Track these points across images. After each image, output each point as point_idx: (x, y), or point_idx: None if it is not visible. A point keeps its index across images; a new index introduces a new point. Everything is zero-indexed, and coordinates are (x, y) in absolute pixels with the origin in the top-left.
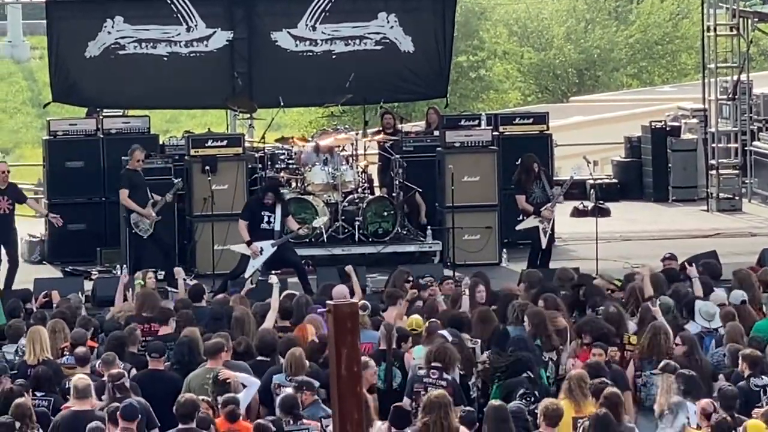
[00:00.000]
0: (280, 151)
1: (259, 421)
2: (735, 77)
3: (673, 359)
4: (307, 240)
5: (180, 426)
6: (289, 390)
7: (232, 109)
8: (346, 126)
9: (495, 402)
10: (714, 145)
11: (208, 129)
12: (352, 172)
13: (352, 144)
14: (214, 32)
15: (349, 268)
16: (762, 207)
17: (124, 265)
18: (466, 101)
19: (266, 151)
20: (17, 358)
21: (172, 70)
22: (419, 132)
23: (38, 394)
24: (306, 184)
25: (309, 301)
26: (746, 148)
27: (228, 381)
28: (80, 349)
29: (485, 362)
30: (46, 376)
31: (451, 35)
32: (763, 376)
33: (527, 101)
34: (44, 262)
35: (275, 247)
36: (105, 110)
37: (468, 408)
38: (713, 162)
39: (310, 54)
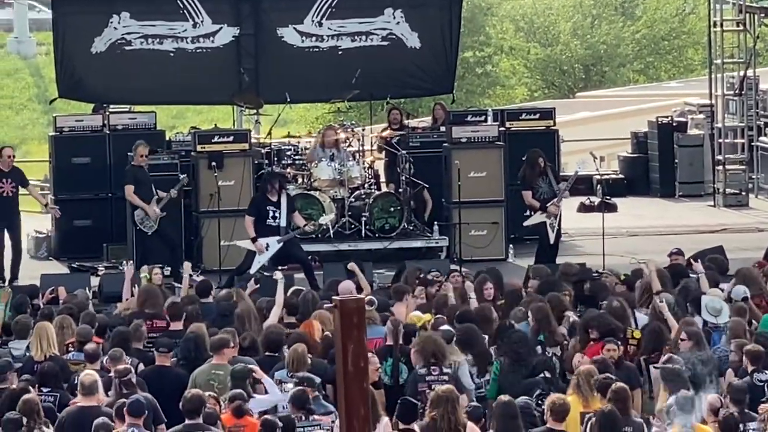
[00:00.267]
0: (287, 147)
1: (266, 416)
2: (741, 73)
3: (679, 355)
4: (314, 236)
5: (186, 421)
6: (290, 386)
7: (239, 105)
8: (353, 122)
9: (504, 398)
10: (720, 140)
11: (215, 125)
12: (358, 167)
13: (359, 140)
14: (221, 28)
15: (352, 265)
16: None
17: (130, 261)
18: (473, 97)
19: (272, 147)
20: (27, 354)
21: (178, 66)
22: (425, 128)
23: (44, 390)
24: (312, 180)
25: (315, 297)
26: (753, 144)
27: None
28: (90, 346)
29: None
30: (52, 372)
31: (457, 31)
32: (766, 371)
33: (534, 97)
34: (51, 258)
35: (281, 243)
36: (111, 106)
37: (474, 403)
38: (720, 157)
39: (317, 50)
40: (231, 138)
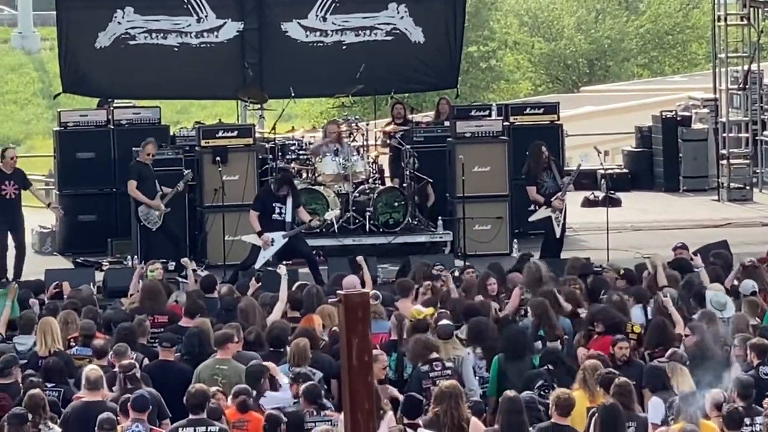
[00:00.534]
0: (291, 142)
1: (270, 411)
2: (746, 67)
3: (687, 350)
4: (318, 230)
5: (190, 416)
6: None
7: (243, 100)
8: (357, 117)
9: (509, 393)
10: (725, 134)
11: (219, 120)
12: (362, 162)
13: (363, 134)
14: (225, 23)
15: (360, 259)
16: None
17: (135, 256)
18: (477, 91)
19: (277, 141)
20: (32, 349)
21: (182, 61)
22: (429, 122)
23: (49, 385)
24: (317, 175)
25: (320, 292)
26: (757, 138)
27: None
28: (98, 342)
29: None
30: (56, 368)
31: (461, 26)
32: None
33: (538, 91)
34: (55, 253)
35: (286, 238)
36: (115, 101)
37: (476, 399)
38: (724, 152)
39: (321, 44)
40: (235, 133)
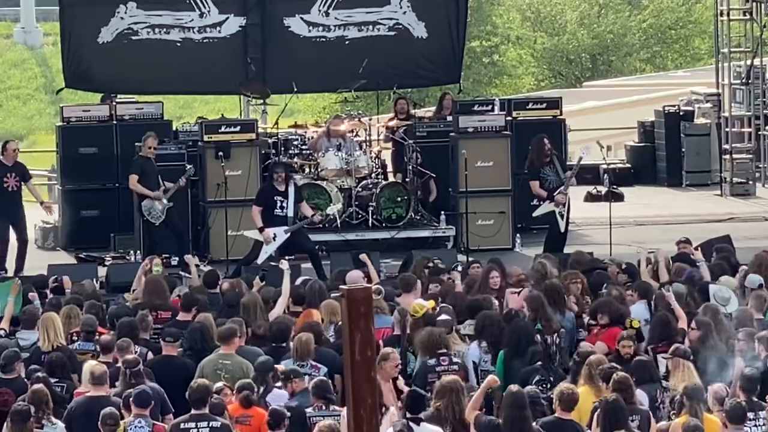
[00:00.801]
0: (294, 137)
1: (274, 407)
2: (748, 62)
3: (689, 345)
4: (321, 225)
5: (193, 411)
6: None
7: (246, 95)
8: (360, 111)
9: (513, 388)
10: (727, 129)
11: (222, 115)
12: (365, 157)
13: (366, 129)
14: (227, 18)
15: (363, 256)
16: None
17: (138, 251)
18: (480, 86)
19: (279, 136)
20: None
21: (185, 56)
22: (432, 117)
23: (52, 380)
24: (319, 170)
25: (322, 287)
26: (760, 133)
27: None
28: (104, 338)
29: None
30: (59, 363)
31: (464, 21)
32: None
33: (540, 86)
34: (58, 248)
35: (288, 234)
36: (118, 96)
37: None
38: (727, 146)
39: (324, 40)
40: (238, 128)
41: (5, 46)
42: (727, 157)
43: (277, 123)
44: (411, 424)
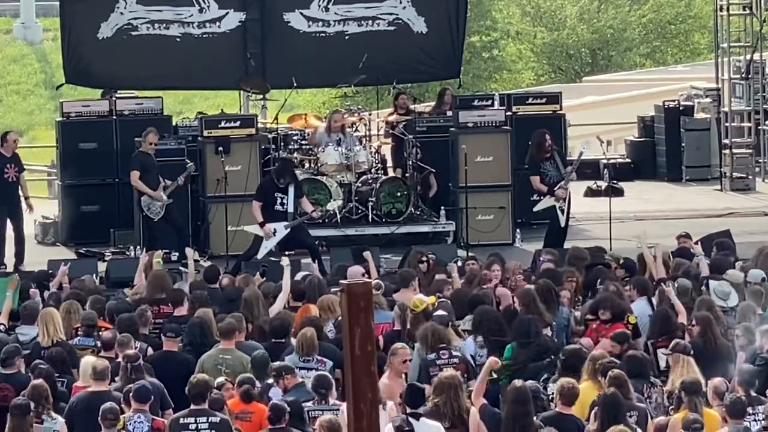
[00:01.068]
0: (293, 132)
1: (274, 401)
2: (748, 57)
3: (690, 340)
4: (321, 221)
5: (192, 406)
6: (302, 372)
7: (245, 90)
8: (359, 106)
9: (517, 383)
10: (727, 124)
11: (221, 110)
12: (365, 152)
13: (366, 125)
14: (227, 13)
15: (367, 254)
16: None
17: (138, 247)
18: (479, 81)
19: (279, 132)
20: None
21: (184, 52)
22: (432, 112)
23: None
24: (319, 165)
25: (322, 283)
26: (759, 128)
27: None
28: (107, 334)
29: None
30: (59, 358)
31: (464, 15)
32: None
33: (540, 81)
34: (58, 243)
35: (288, 229)
36: (118, 92)
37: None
38: (726, 141)
39: (323, 35)
40: (238, 123)
41: (5, 41)
42: (727, 152)
43: (276, 118)
44: (410, 419)
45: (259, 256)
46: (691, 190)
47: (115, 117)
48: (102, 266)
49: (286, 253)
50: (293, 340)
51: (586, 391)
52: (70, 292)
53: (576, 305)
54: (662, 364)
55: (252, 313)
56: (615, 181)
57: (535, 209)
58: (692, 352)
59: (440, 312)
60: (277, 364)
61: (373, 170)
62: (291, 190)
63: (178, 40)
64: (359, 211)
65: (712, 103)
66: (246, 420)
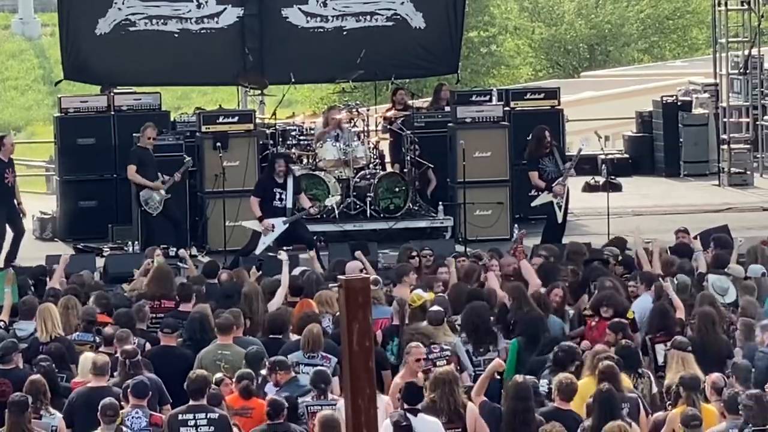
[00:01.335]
0: (292, 128)
1: (273, 396)
2: (746, 52)
3: (689, 337)
4: (319, 216)
5: (191, 402)
6: (308, 368)
7: (243, 86)
8: (357, 102)
9: (518, 378)
10: (725, 119)
11: (219, 105)
12: (363, 147)
13: (364, 120)
14: (225, 9)
15: (358, 254)
16: None
17: (136, 242)
18: (477, 77)
19: (277, 127)
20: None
21: (182, 47)
22: (430, 107)
23: None
24: (317, 160)
25: (319, 278)
26: (757, 123)
27: None
28: (109, 330)
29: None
30: (58, 353)
31: (462, 11)
32: None
33: (538, 76)
34: (56, 239)
35: (287, 224)
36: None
37: (469, 384)
38: (724, 136)
39: (321, 30)
40: (236, 118)
41: (3, 37)
42: (725, 147)
43: (275, 113)
44: (408, 415)
45: (258, 251)
46: (689, 185)
47: (113, 112)
48: (100, 261)
49: (284, 248)
50: (293, 336)
51: (588, 385)
52: (69, 287)
53: (567, 303)
54: (660, 360)
55: (251, 308)
56: (613, 177)
57: (532, 204)
58: (689, 349)
59: (436, 308)
60: (273, 358)
61: (371, 166)
62: (289, 185)
63: (176, 35)
64: (357, 206)
65: (710, 98)
66: (247, 416)
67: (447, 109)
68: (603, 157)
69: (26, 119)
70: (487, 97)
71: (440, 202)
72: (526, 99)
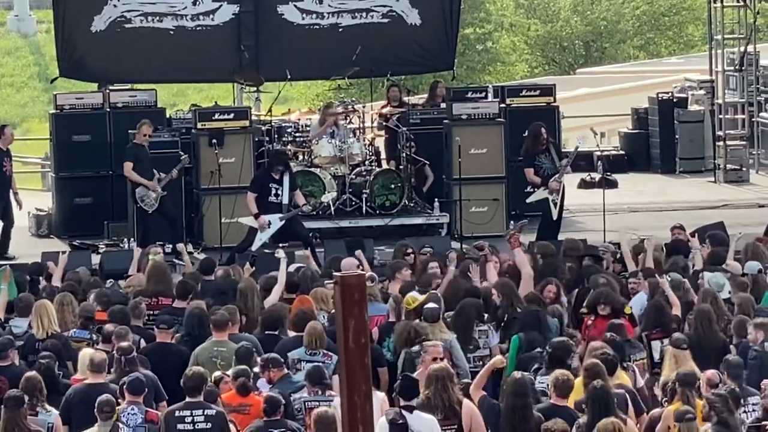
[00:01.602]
0: (287, 124)
1: (270, 393)
2: (742, 48)
3: (685, 333)
4: (315, 213)
5: (187, 399)
6: (309, 365)
7: (239, 83)
8: (353, 99)
9: (516, 374)
10: (721, 116)
11: (215, 102)
12: (359, 144)
13: (359, 117)
14: (221, 6)
15: (358, 253)
16: None
17: (132, 239)
18: (473, 73)
19: (273, 124)
20: (29, 331)
21: (178, 44)
22: (425, 104)
23: None
24: (313, 157)
25: (315, 275)
26: (753, 120)
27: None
28: (109, 327)
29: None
30: (55, 350)
31: (457, 8)
32: None
33: (534, 73)
34: (51, 236)
35: (283, 221)
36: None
37: (466, 381)
38: (720, 133)
39: (317, 27)
40: (231, 115)
41: None
42: (721, 143)
43: (270, 110)
44: (404, 412)
45: (254, 248)
46: (685, 181)
47: (108, 109)
48: (96, 258)
49: (280, 245)
50: (291, 333)
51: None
52: (65, 284)
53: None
54: (656, 356)
55: (247, 305)
56: (609, 173)
57: (528, 200)
58: (685, 346)
59: (431, 305)
60: (266, 356)
61: (366, 162)
62: (285, 181)
63: (172, 32)
64: (353, 203)
65: (705, 95)
66: (244, 413)
67: (443, 105)
68: (599, 153)
69: (22, 116)
70: (483, 94)
71: (436, 199)
72: (522, 96)
